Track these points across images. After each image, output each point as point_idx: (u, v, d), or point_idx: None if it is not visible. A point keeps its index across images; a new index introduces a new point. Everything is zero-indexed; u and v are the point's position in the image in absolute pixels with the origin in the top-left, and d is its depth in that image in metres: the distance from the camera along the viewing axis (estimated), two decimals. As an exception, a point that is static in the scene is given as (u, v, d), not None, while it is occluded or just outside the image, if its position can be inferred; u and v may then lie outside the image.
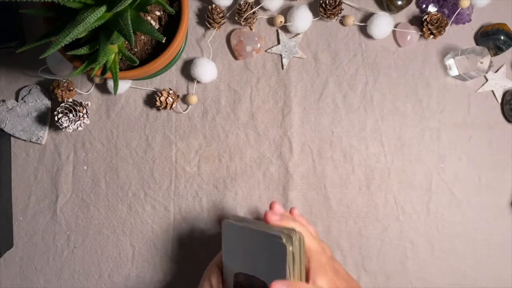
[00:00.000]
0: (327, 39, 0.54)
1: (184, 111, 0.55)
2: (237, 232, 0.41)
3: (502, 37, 0.51)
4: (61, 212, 0.55)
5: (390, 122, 0.54)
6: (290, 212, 0.46)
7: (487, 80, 0.53)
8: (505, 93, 0.53)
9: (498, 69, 0.53)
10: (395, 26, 0.53)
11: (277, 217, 0.40)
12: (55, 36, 0.37)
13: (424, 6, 0.53)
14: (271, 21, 0.54)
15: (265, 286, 0.39)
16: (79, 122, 0.52)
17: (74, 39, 0.37)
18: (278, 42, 0.54)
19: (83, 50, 0.41)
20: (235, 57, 0.54)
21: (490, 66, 0.50)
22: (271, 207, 0.43)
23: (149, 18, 0.46)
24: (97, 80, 0.54)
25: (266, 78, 0.54)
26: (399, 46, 0.54)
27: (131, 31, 0.37)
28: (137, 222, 0.55)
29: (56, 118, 0.51)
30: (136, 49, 0.46)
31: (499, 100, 0.53)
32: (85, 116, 0.53)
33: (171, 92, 0.53)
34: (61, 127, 0.52)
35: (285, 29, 0.54)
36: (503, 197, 0.53)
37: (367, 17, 0.53)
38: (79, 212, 0.55)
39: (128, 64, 0.46)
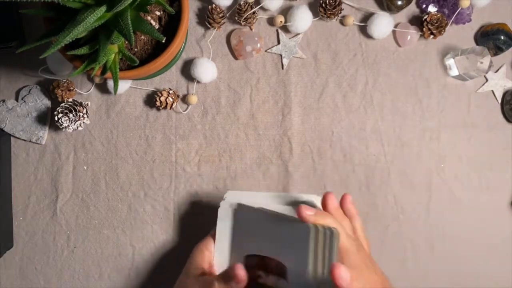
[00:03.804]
0: (327, 39, 0.54)
1: (184, 111, 0.55)
2: (252, 214, 0.41)
3: (502, 37, 0.51)
4: (61, 212, 0.55)
5: (390, 122, 0.54)
6: (342, 198, 0.45)
7: (487, 80, 0.53)
8: (505, 93, 0.53)
9: (498, 69, 0.53)
10: (395, 26, 0.53)
11: (312, 212, 0.38)
12: (55, 36, 0.37)
13: (424, 6, 0.53)
14: (271, 21, 0.54)
15: (283, 269, 0.39)
16: (79, 122, 0.52)
17: (74, 39, 0.37)
18: (278, 42, 0.54)
19: (83, 50, 0.41)
20: (235, 57, 0.54)
21: (490, 66, 0.50)
22: (325, 198, 0.41)
23: (149, 18, 0.46)
24: (97, 80, 0.54)
25: (266, 78, 0.54)
26: (399, 46, 0.54)
27: (131, 31, 0.37)
28: (137, 222, 0.55)
29: (56, 118, 0.51)
30: (136, 49, 0.46)
31: (499, 100, 0.53)
32: (85, 116, 0.53)
33: (171, 92, 0.53)
34: (61, 127, 0.52)
35: (285, 29, 0.54)
36: (503, 197, 0.53)
37: (367, 17, 0.53)
38: (79, 212, 0.55)
39: (128, 64, 0.46)
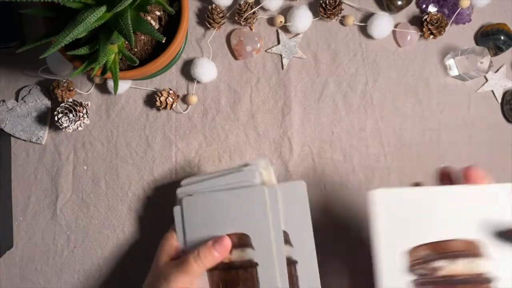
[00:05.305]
0: (327, 39, 0.54)
1: (184, 111, 0.55)
2: (203, 199, 0.43)
3: (502, 37, 0.51)
4: (61, 212, 0.55)
5: (390, 122, 0.54)
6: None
7: (487, 80, 0.53)
8: (505, 93, 0.53)
9: (498, 69, 0.53)
10: (395, 26, 0.53)
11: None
12: (55, 36, 0.37)
13: (424, 6, 0.53)
14: (271, 21, 0.54)
15: (246, 239, 0.42)
16: (79, 122, 0.52)
17: (74, 39, 0.37)
18: (278, 42, 0.54)
19: (83, 50, 0.41)
20: (235, 57, 0.54)
21: (490, 66, 0.50)
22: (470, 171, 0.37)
23: (149, 18, 0.46)
24: (97, 80, 0.54)
25: (266, 78, 0.54)
26: (399, 46, 0.54)
27: (131, 31, 0.37)
28: (137, 222, 0.55)
29: (56, 118, 0.51)
30: (136, 49, 0.46)
31: (499, 100, 0.53)
32: (85, 116, 0.53)
33: (171, 92, 0.53)
34: (61, 127, 0.52)
35: (285, 29, 0.54)
36: (503, 197, 0.53)
37: (367, 17, 0.53)
38: (79, 212, 0.55)
39: (128, 64, 0.46)
